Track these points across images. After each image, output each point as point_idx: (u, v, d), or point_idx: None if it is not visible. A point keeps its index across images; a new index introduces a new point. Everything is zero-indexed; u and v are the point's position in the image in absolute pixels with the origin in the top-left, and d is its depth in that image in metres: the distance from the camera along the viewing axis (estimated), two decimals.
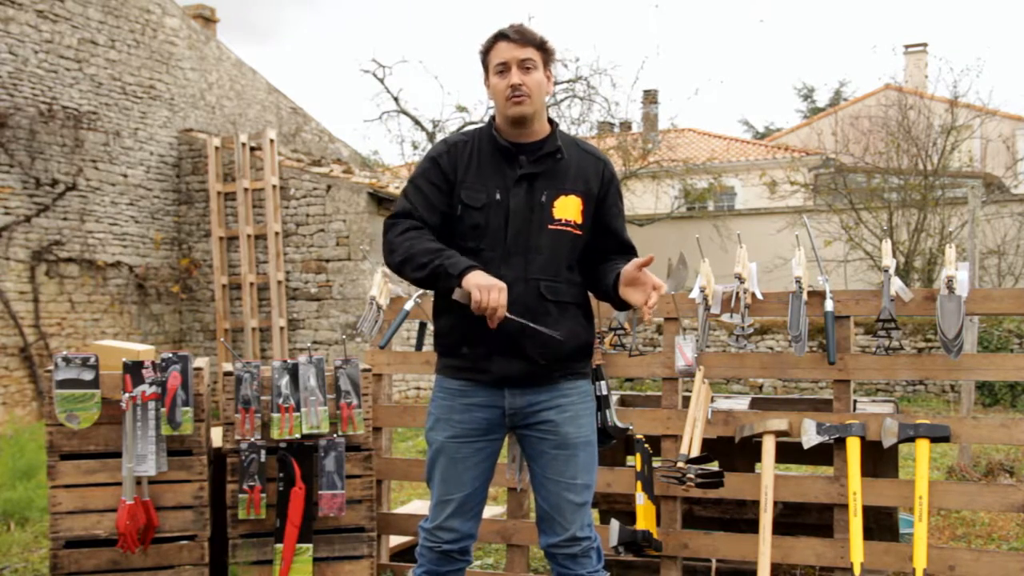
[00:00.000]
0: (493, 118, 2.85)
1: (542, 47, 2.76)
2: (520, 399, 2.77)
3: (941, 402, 11.21)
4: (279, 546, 3.76)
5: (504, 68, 2.73)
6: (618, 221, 2.89)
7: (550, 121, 2.86)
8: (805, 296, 3.75)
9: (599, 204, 2.83)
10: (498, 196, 2.75)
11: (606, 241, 2.86)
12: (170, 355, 3.75)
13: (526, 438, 2.84)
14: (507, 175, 2.77)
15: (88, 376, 3.67)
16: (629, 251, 2.88)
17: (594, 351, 2.94)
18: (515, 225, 2.73)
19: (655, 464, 3.81)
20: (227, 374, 3.82)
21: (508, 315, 2.58)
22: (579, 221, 2.78)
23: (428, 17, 56.35)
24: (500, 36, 2.76)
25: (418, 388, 11.79)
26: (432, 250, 2.66)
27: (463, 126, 18.35)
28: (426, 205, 2.78)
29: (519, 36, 2.73)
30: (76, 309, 10.33)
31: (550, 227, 2.74)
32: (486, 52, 2.79)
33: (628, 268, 2.66)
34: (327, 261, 10.97)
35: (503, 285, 2.55)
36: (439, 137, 18.42)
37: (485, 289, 2.52)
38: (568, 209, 2.76)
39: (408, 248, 2.68)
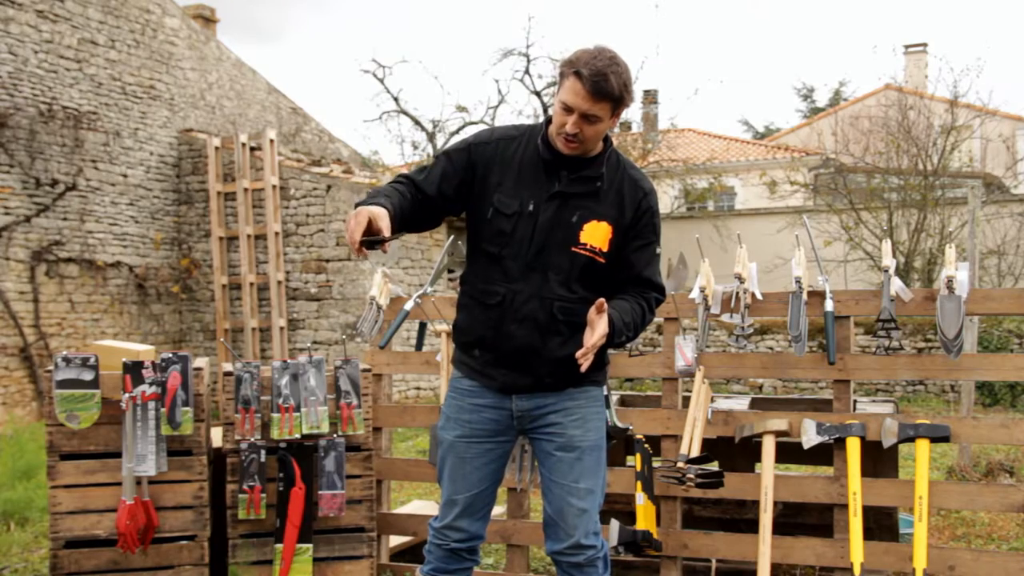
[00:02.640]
0: (549, 120, 2.71)
1: (616, 102, 2.58)
2: (527, 402, 2.78)
3: (941, 402, 11.21)
4: (279, 546, 3.76)
5: (568, 109, 2.58)
6: (641, 255, 2.75)
7: (605, 139, 2.74)
8: (805, 296, 3.75)
9: (626, 233, 2.73)
10: (531, 207, 2.69)
11: (622, 271, 2.75)
12: (170, 355, 3.75)
13: (534, 441, 2.84)
14: (544, 187, 2.70)
15: (88, 376, 3.67)
16: (647, 287, 2.77)
17: (607, 363, 2.90)
18: (540, 240, 2.68)
19: (655, 464, 3.81)
20: (227, 374, 3.82)
21: (365, 241, 2.41)
22: (604, 249, 2.70)
23: (428, 17, 56.39)
24: (578, 75, 2.54)
25: (418, 388, 11.79)
26: (373, 192, 2.60)
27: (463, 126, 18.36)
28: (434, 178, 2.72)
29: (595, 89, 2.53)
30: (76, 309, 10.33)
31: (573, 249, 2.69)
32: (561, 75, 2.62)
33: (591, 311, 2.57)
34: (327, 261, 10.97)
35: (364, 212, 2.40)
36: (439, 137, 18.44)
37: (350, 218, 2.42)
38: (596, 235, 2.70)
39: (368, 193, 2.62)
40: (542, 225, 2.69)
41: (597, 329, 2.54)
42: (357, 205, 2.51)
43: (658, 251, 2.80)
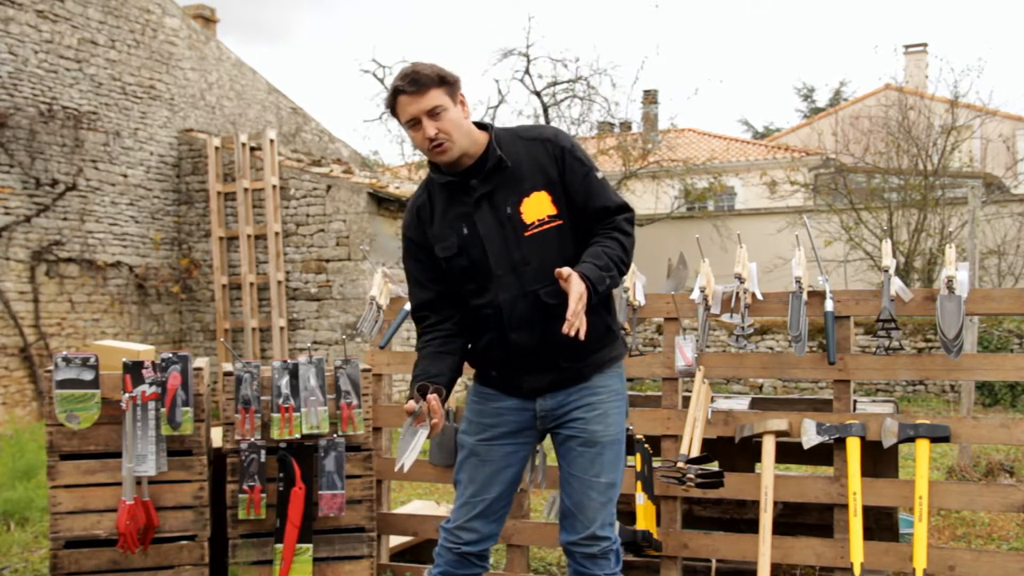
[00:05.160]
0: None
1: (442, 82, 2.63)
2: (551, 400, 2.79)
3: (941, 402, 11.21)
4: (279, 546, 3.76)
5: (415, 123, 2.63)
6: (585, 191, 2.71)
7: (482, 127, 2.75)
8: (805, 296, 3.75)
9: (563, 185, 2.71)
10: (465, 230, 2.72)
11: (584, 215, 2.72)
12: (170, 355, 3.75)
13: (555, 435, 2.84)
14: (466, 205, 2.72)
15: (88, 376, 3.67)
16: (606, 214, 2.72)
17: (619, 332, 2.88)
18: (493, 248, 2.69)
19: (655, 464, 3.81)
20: (227, 374, 3.82)
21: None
22: (554, 212, 2.69)
23: (428, 17, 56.40)
24: (397, 92, 2.63)
25: None
26: (413, 377, 2.75)
27: None
28: (423, 288, 2.82)
29: (415, 87, 2.60)
30: (76, 309, 10.32)
31: (526, 234, 2.68)
32: (392, 111, 2.68)
33: (559, 283, 2.55)
34: (327, 261, 10.97)
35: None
36: None
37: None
38: (537, 207, 2.69)
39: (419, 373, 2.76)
40: (487, 234, 2.70)
41: (572, 293, 2.50)
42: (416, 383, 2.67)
43: (599, 175, 2.75)
